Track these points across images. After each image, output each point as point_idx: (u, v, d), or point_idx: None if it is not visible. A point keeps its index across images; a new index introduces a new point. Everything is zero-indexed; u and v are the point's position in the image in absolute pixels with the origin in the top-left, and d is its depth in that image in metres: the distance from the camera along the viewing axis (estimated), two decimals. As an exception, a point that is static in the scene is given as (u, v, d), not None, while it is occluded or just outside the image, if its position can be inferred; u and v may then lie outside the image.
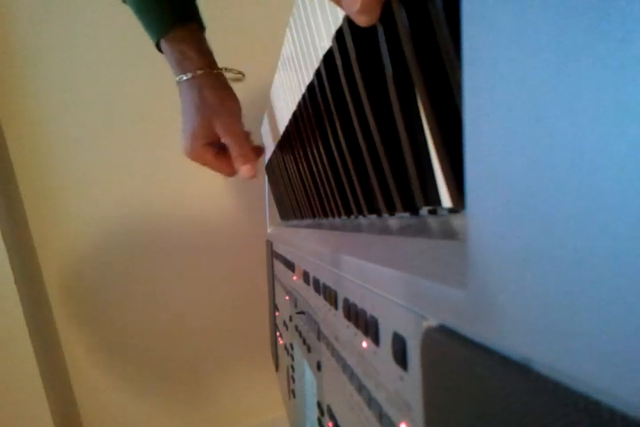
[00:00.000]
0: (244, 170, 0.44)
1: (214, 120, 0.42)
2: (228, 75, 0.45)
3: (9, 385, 0.69)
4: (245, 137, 0.44)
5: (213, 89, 0.42)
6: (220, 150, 0.45)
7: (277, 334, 0.62)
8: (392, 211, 0.21)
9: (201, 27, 0.44)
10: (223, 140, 0.44)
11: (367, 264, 0.19)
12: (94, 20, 0.73)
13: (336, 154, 0.26)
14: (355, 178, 0.24)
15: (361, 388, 0.21)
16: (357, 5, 0.16)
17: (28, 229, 0.75)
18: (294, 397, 0.48)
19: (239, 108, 0.44)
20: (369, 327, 0.19)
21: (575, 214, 0.07)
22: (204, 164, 0.47)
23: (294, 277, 0.42)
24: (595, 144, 0.07)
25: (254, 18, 0.78)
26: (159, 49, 0.44)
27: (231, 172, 0.47)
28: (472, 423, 0.10)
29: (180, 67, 0.42)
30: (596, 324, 0.07)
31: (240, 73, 0.46)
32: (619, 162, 0.06)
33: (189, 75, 0.42)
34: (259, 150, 0.46)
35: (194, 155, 0.45)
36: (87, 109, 0.76)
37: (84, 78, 0.75)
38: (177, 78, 0.43)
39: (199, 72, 0.42)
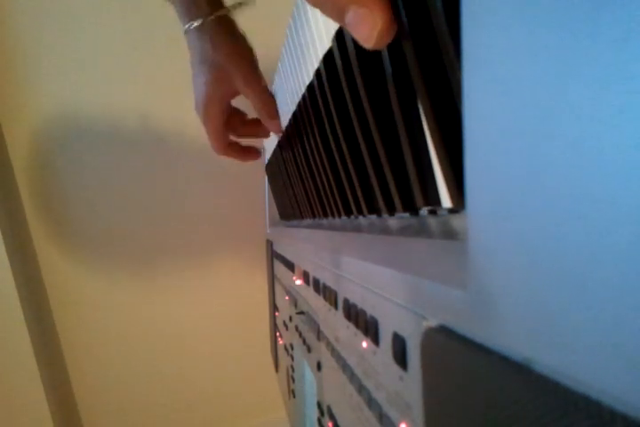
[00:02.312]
0: (272, 125, 0.40)
1: (232, 74, 0.39)
2: (238, 10, 0.42)
3: (9, 385, 0.69)
4: (267, 90, 0.41)
5: (228, 39, 0.39)
6: (227, 121, 0.43)
7: (277, 334, 0.62)
8: (392, 211, 0.21)
9: None
10: (245, 95, 0.40)
11: (367, 264, 0.19)
12: (94, 19, 0.73)
13: (336, 154, 0.26)
14: (355, 178, 0.24)
15: (361, 388, 0.21)
16: (375, 36, 0.15)
17: (28, 229, 0.75)
18: (294, 397, 0.48)
19: (256, 58, 0.41)
20: (369, 327, 0.19)
21: (576, 214, 0.07)
22: (208, 130, 0.44)
23: (294, 278, 0.42)
24: (595, 144, 0.07)
25: (254, 18, 0.78)
26: None
27: (220, 150, 0.45)
28: (472, 424, 0.10)
29: (189, 13, 0.39)
30: (596, 324, 0.07)
31: (246, 1, 0.42)
32: (620, 162, 0.06)
33: (199, 21, 0.38)
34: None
35: (204, 114, 0.42)
36: (87, 109, 0.76)
37: (84, 78, 0.75)
38: (185, 27, 0.39)
39: (210, 18, 0.38)
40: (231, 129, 0.46)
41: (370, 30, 0.15)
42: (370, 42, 0.15)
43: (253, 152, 0.50)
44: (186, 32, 0.40)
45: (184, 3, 0.39)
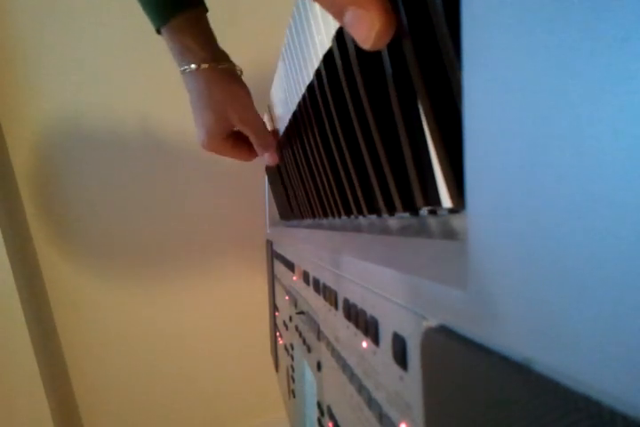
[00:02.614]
0: (268, 158, 0.44)
1: (229, 113, 0.42)
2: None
3: (9, 385, 0.69)
4: (262, 125, 0.44)
5: (220, 82, 0.41)
6: (235, 140, 0.45)
7: (277, 334, 0.62)
8: (392, 211, 0.21)
9: (204, 11, 0.42)
10: (241, 131, 0.43)
11: (367, 264, 0.19)
12: (94, 18, 0.73)
13: (336, 154, 0.26)
14: (355, 178, 0.24)
15: (361, 388, 0.21)
16: (372, 37, 0.15)
17: (29, 229, 0.75)
18: (294, 397, 0.48)
19: (250, 96, 0.43)
20: (369, 327, 0.19)
21: (576, 214, 0.07)
22: (222, 155, 0.47)
23: (294, 278, 0.42)
24: (595, 144, 0.07)
25: (254, 17, 0.78)
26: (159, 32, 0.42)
27: (248, 158, 0.48)
28: (472, 424, 0.10)
29: (183, 58, 0.41)
30: (596, 324, 0.07)
31: (238, 70, 0.45)
32: (620, 162, 0.06)
33: (193, 66, 0.40)
34: (275, 134, 0.46)
35: (212, 149, 0.45)
36: (88, 110, 0.76)
37: (84, 79, 0.75)
38: (180, 68, 0.42)
39: (203, 66, 0.40)
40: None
41: (368, 31, 0.15)
42: (367, 43, 0.15)
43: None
44: (182, 73, 0.42)
45: (177, 45, 0.41)
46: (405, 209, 0.19)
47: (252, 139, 0.43)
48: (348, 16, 0.15)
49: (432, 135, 0.15)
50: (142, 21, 0.43)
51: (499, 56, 0.09)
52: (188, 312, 0.84)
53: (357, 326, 0.21)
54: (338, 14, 0.16)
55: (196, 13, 0.41)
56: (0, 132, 0.72)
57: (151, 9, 0.40)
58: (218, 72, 0.41)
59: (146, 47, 0.75)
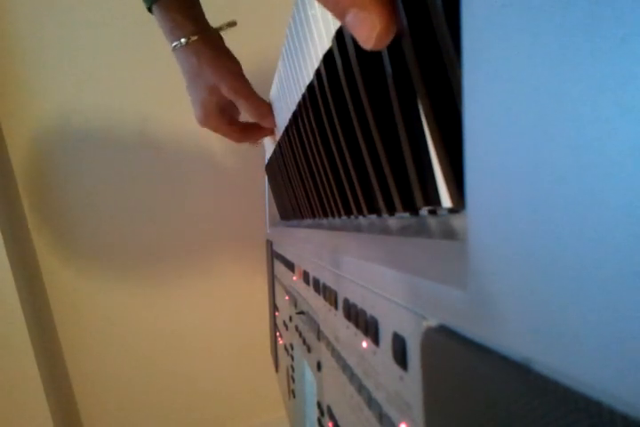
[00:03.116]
0: (265, 122, 0.45)
1: (220, 85, 0.43)
2: (222, 32, 0.45)
3: (9, 385, 0.69)
4: (253, 93, 0.44)
5: (211, 54, 0.42)
6: (231, 118, 0.46)
7: (277, 334, 0.62)
8: (392, 211, 0.21)
9: None
10: (234, 101, 0.44)
11: (367, 264, 0.19)
12: (94, 18, 0.73)
13: (336, 154, 0.26)
14: (355, 178, 0.24)
15: (361, 388, 0.21)
16: (373, 37, 0.15)
17: (28, 228, 0.75)
18: (294, 397, 0.48)
19: (240, 68, 0.45)
20: (369, 327, 0.19)
21: (576, 214, 0.07)
22: (216, 131, 0.48)
23: (294, 278, 0.42)
24: (595, 144, 0.07)
25: (254, 18, 0.78)
26: (150, 11, 0.44)
27: (242, 138, 0.48)
28: (472, 424, 0.10)
29: (173, 34, 0.42)
30: (596, 324, 0.07)
31: (231, 23, 0.46)
32: (620, 162, 0.06)
33: (183, 41, 0.42)
34: (268, 105, 0.46)
35: (208, 124, 0.46)
36: (88, 115, 0.76)
37: (83, 77, 0.75)
38: (171, 45, 0.43)
39: (193, 38, 0.42)
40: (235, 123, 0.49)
41: (369, 32, 0.15)
42: (369, 43, 0.16)
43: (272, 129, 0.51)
44: (173, 49, 0.43)
45: (167, 23, 0.42)
46: (405, 209, 0.19)
47: (245, 107, 0.44)
48: (350, 17, 0.16)
49: (432, 135, 0.15)
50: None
51: (499, 56, 0.09)
52: (188, 312, 0.84)
53: (357, 326, 0.21)
54: (340, 15, 0.16)
55: None
56: (2, 139, 0.72)
57: None
58: (207, 45, 0.42)
59: (145, 46, 0.75)
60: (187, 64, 0.43)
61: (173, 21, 0.42)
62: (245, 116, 0.47)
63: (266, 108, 0.44)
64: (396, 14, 0.15)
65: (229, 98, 0.44)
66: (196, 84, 0.43)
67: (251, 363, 0.88)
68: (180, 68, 0.44)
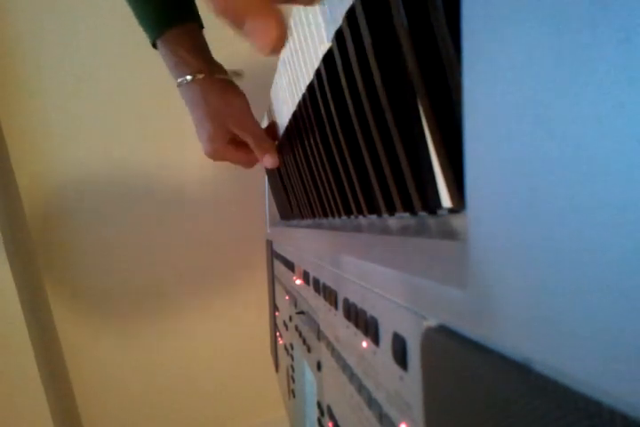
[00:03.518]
0: (266, 161, 0.45)
1: (227, 122, 0.43)
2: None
3: (9, 385, 0.69)
4: (259, 130, 0.45)
5: (216, 91, 0.42)
6: (238, 144, 0.46)
7: (277, 334, 0.62)
8: (392, 211, 0.21)
9: (199, 25, 0.44)
10: (239, 136, 0.44)
11: (367, 264, 0.19)
12: (94, 17, 0.73)
13: (336, 154, 0.26)
14: (355, 178, 0.24)
15: (361, 388, 0.21)
16: (269, 44, 0.17)
17: (27, 227, 0.75)
18: (294, 397, 0.48)
19: (247, 103, 0.44)
20: (369, 327, 0.19)
21: (575, 214, 0.07)
22: (226, 160, 0.48)
23: (294, 278, 0.42)
24: (595, 144, 0.07)
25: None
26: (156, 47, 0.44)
27: (252, 162, 0.48)
28: (472, 424, 0.10)
29: (178, 70, 0.42)
30: (596, 324, 0.07)
31: (238, 73, 0.46)
32: (619, 162, 0.06)
33: (189, 78, 0.41)
34: (275, 137, 0.46)
35: (217, 157, 0.46)
36: (86, 107, 0.76)
37: (83, 76, 0.75)
38: (177, 81, 0.43)
39: (199, 76, 0.41)
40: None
41: (265, 39, 0.17)
42: (266, 50, 0.17)
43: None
44: (178, 85, 0.43)
45: (172, 58, 0.42)
46: (405, 209, 0.19)
47: (251, 144, 0.44)
48: (248, 26, 0.17)
49: (432, 135, 0.15)
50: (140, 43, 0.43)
51: (499, 56, 0.09)
52: (188, 312, 0.84)
53: (357, 325, 0.21)
54: (238, 25, 0.17)
55: (191, 27, 0.42)
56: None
57: (147, 22, 0.42)
58: (213, 81, 0.42)
59: (146, 43, 0.75)
60: (192, 100, 0.43)
61: (179, 57, 0.42)
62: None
63: (269, 145, 0.45)
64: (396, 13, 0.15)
65: (235, 132, 0.44)
66: (203, 119, 0.43)
67: (251, 363, 0.88)
68: (185, 102, 0.44)
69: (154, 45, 0.43)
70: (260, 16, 0.17)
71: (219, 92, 0.42)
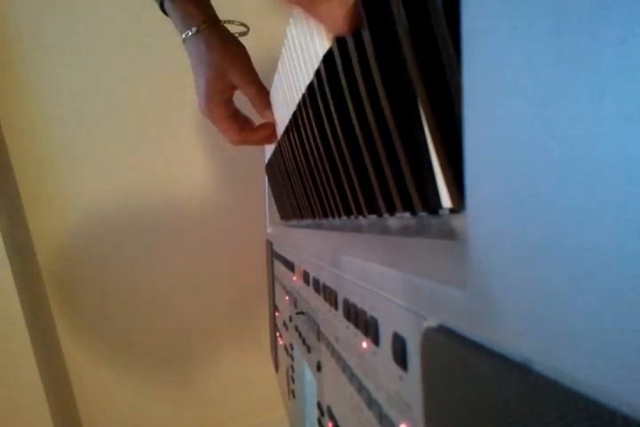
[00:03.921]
0: (267, 115, 0.45)
1: (229, 71, 0.43)
2: (231, 28, 0.46)
3: (9, 385, 0.69)
4: (261, 83, 0.45)
5: (221, 41, 0.43)
6: (234, 113, 0.46)
7: (277, 334, 0.62)
8: (392, 211, 0.21)
9: None
10: (241, 90, 0.45)
11: (367, 264, 0.19)
12: (93, 18, 0.73)
13: (336, 154, 0.26)
14: (355, 178, 0.24)
15: (361, 388, 0.21)
16: (341, 22, 0.19)
17: (27, 227, 0.75)
18: (294, 397, 0.48)
19: (248, 55, 0.45)
20: (369, 328, 0.19)
21: (576, 214, 0.07)
22: (216, 123, 0.48)
23: (294, 278, 0.42)
24: (595, 144, 0.07)
25: (254, 17, 0.78)
26: (164, 12, 0.45)
27: (237, 140, 0.48)
28: (472, 424, 0.10)
29: (184, 24, 0.43)
30: (596, 324, 0.07)
31: (243, 25, 0.47)
32: (619, 162, 0.06)
33: (194, 29, 0.43)
34: (274, 133, 0.47)
35: (209, 111, 0.46)
36: (86, 106, 0.76)
37: (82, 76, 0.75)
38: (182, 36, 0.44)
39: (203, 26, 0.43)
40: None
41: (335, 21, 0.19)
42: (335, 30, 0.19)
43: (270, 137, 0.51)
44: (184, 41, 0.44)
45: (179, 12, 0.44)
46: (405, 209, 0.19)
47: (251, 94, 0.45)
48: (318, 10, 0.19)
49: (432, 135, 0.15)
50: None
51: (499, 56, 0.09)
52: (189, 312, 0.84)
53: (357, 326, 0.21)
54: (308, 10, 0.20)
55: None
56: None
57: None
58: (217, 33, 0.43)
59: (145, 43, 0.75)
60: (195, 52, 0.44)
61: (185, 11, 0.43)
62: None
63: (269, 99, 0.45)
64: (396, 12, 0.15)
65: (236, 83, 0.44)
66: (204, 69, 0.43)
67: (251, 363, 0.88)
68: (189, 57, 0.45)
69: (162, 8, 0.45)
70: (328, 1, 0.19)
71: (222, 43, 0.43)
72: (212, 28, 0.43)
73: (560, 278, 0.08)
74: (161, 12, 0.46)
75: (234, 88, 0.45)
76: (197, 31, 0.43)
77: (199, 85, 0.45)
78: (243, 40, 0.47)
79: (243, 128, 0.48)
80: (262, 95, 0.45)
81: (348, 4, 0.19)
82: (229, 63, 0.43)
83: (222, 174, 0.83)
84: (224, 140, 0.49)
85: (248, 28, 0.48)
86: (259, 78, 0.45)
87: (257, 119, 0.49)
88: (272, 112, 0.45)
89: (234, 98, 0.47)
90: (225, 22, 0.46)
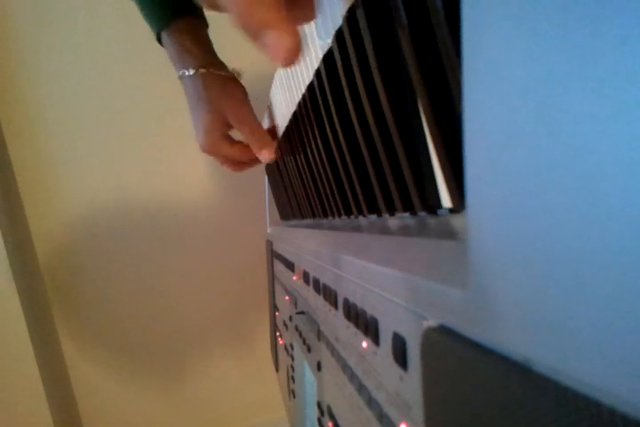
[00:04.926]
0: (263, 155, 0.45)
1: (225, 113, 0.43)
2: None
3: (9, 385, 0.69)
4: (258, 124, 0.45)
5: (217, 84, 0.43)
6: (233, 140, 0.46)
7: (277, 334, 0.62)
8: (392, 211, 0.21)
9: (204, 22, 0.45)
10: (238, 130, 0.44)
11: (367, 264, 0.19)
12: (94, 18, 0.73)
13: (336, 154, 0.26)
14: (355, 178, 0.24)
15: (361, 388, 0.21)
16: (285, 55, 0.18)
17: (27, 226, 0.75)
18: (294, 397, 0.48)
19: (247, 97, 0.45)
20: (369, 327, 0.19)
21: (575, 214, 0.07)
22: (218, 157, 0.48)
23: (294, 278, 0.42)
24: (595, 144, 0.07)
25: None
26: (160, 42, 0.44)
27: (244, 160, 0.48)
28: (472, 424, 0.10)
29: (181, 61, 0.43)
30: (596, 324, 0.07)
31: (237, 72, 0.46)
32: (619, 162, 0.06)
33: (192, 71, 0.42)
34: (273, 132, 0.46)
35: (211, 149, 0.46)
36: (86, 105, 0.76)
37: (82, 75, 0.75)
38: (179, 73, 0.43)
39: (202, 71, 0.42)
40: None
41: (282, 51, 0.18)
42: (282, 61, 0.18)
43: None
44: (180, 77, 0.44)
45: (177, 47, 0.43)
46: (405, 209, 0.19)
47: (248, 136, 0.44)
48: (264, 38, 0.18)
49: (432, 135, 0.15)
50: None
51: (499, 56, 0.09)
52: (189, 312, 0.84)
53: (357, 326, 0.21)
54: (255, 37, 0.18)
55: (197, 22, 0.43)
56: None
57: (153, 13, 0.42)
58: (215, 75, 0.43)
59: (144, 44, 0.75)
60: (192, 90, 0.43)
61: (184, 48, 0.42)
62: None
63: (268, 140, 0.44)
64: (396, 12, 0.15)
65: (232, 124, 0.44)
66: (202, 105, 0.43)
67: (251, 363, 0.88)
68: (185, 92, 0.45)
69: (158, 40, 0.44)
70: (276, 29, 0.17)
71: (220, 85, 0.43)
72: (211, 70, 0.42)
73: (560, 278, 0.08)
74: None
75: (231, 126, 0.45)
76: (195, 73, 0.42)
77: (196, 123, 0.44)
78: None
79: (240, 160, 0.48)
80: (258, 136, 0.44)
81: (296, 34, 0.18)
82: (225, 104, 0.43)
83: (222, 174, 0.83)
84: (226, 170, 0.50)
85: (242, 73, 0.47)
86: (254, 118, 0.44)
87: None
88: (266, 151, 0.44)
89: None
90: (222, 68, 0.45)
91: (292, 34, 0.18)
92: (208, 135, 0.44)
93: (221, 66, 0.44)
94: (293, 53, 0.18)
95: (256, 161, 0.48)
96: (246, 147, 0.47)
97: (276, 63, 0.18)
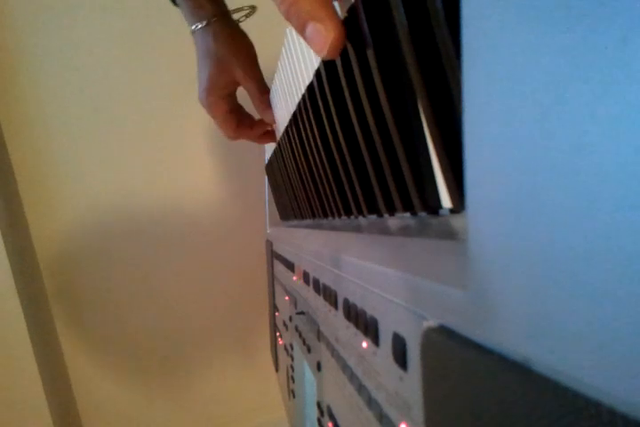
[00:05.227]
0: (267, 115, 0.45)
1: (233, 66, 0.43)
2: (241, 13, 0.46)
3: (9, 385, 0.69)
4: (263, 81, 0.45)
5: (229, 36, 0.43)
6: (232, 110, 0.46)
7: (277, 334, 0.62)
8: (392, 211, 0.21)
9: None
10: (242, 85, 0.44)
11: (367, 264, 0.19)
12: (94, 17, 0.73)
13: (336, 154, 0.26)
14: (355, 178, 0.24)
15: (361, 388, 0.21)
16: (326, 48, 0.18)
17: (27, 227, 0.75)
18: (294, 397, 0.48)
19: (255, 53, 0.45)
20: (369, 328, 0.19)
21: (576, 214, 0.07)
22: (214, 116, 0.48)
23: (294, 278, 0.42)
24: (595, 145, 0.07)
25: (254, 17, 0.78)
26: (174, 3, 0.45)
27: (232, 135, 0.48)
28: (472, 424, 0.10)
29: (194, 15, 0.43)
30: (596, 324, 0.07)
31: (251, 7, 0.47)
32: (619, 162, 0.06)
33: (204, 22, 0.42)
34: (273, 133, 0.47)
35: (207, 102, 0.46)
36: (86, 106, 0.76)
37: (82, 75, 0.75)
38: (192, 27, 0.44)
39: (213, 19, 0.42)
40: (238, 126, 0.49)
41: (324, 42, 0.18)
42: (323, 52, 0.19)
43: (267, 136, 0.51)
44: (193, 32, 0.44)
45: (190, 6, 0.43)
46: (405, 209, 0.19)
47: (252, 92, 0.44)
48: (309, 29, 0.18)
49: (432, 136, 0.15)
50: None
51: (499, 56, 0.09)
52: (188, 312, 0.84)
53: (357, 326, 0.21)
54: (300, 27, 0.19)
55: None
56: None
57: None
58: (226, 27, 0.43)
59: (144, 44, 0.75)
60: (203, 44, 0.43)
61: (196, 2, 0.43)
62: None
63: (270, 98, 0.45)
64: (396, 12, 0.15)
65: (238, 78, 0.44)
66: (208, 62, 0.43)
67: (251, 363, 0.88)
68: (196, 48, 0.45)
69: (172, 1, 0.44)
70: (322, 22, 0.18)
71: (230, 38, 0.43)
72: (223, 21, 0.43)
73: (560, 279, 0.08)
74: (164, 8, 0.45)
75: (236, 84, 0.45)
76: (207, 24, 0.42)
77: (201, 77, 0.44)
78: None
79: (239, 124, 0.48)
80: (263, 93, 0.44)
81: (341, 27, 0.18)
82: (234, 57, 0.43)
83: (222, 174, 0.83)
84: (221, 133, 0.49)
85: (255, 8, 0.47)
86: (261, 76, 0.45)
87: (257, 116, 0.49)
88: (271, 112, 0.45)
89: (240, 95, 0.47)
90: (233, 12, 0.45)
91: (336, 27, 0.18)
92: (209, 85, 0.44)
93: (231, 17, 0.45)
94: (337, 47, 0.18)
95: (249, 133, 0.48)
96: (240, 121, 0.47)
97: (319, 55, 0.19)
